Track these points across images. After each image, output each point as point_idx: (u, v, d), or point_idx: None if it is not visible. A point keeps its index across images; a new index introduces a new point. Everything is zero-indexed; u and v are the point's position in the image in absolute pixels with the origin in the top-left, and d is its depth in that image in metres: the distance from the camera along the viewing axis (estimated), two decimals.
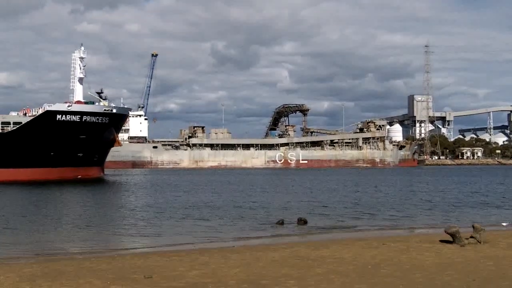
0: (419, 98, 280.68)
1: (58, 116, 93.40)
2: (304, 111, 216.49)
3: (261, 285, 16.95)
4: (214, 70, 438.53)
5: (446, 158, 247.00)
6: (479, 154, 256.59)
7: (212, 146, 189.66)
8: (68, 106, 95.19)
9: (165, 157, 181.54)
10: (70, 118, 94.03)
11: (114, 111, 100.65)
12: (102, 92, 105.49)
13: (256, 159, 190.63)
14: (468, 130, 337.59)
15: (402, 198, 57.30)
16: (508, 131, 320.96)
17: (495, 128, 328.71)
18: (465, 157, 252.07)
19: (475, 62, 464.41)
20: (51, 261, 22.46)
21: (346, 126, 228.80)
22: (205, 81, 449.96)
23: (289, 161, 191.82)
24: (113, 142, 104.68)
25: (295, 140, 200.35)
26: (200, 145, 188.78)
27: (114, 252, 25.93)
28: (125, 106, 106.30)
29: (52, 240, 30.35)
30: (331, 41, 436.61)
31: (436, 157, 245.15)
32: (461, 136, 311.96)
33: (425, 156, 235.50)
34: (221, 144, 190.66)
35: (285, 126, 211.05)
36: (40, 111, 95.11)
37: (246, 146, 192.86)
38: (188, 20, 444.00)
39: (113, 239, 31.26)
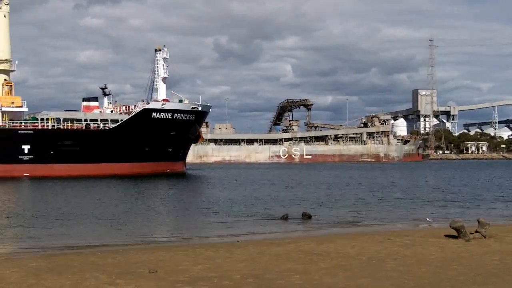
0: (424, 93, 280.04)
1: (154, 114, 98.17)
2: (307, 106, 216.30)
3: (265, 279, 16.98)
4: (217, 64, 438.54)
5: (451, 153, 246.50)
6: (484, 148, 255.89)
7: (216, 141, 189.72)
8: (162, 105, 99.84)
9: None
10: (163, 116, 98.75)
11: (200, 108, 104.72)
12: (106, 88, 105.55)
13: (260, 154, 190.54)
14: (473, 125, 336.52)
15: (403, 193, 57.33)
16: None
17: (500, 122, 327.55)
18: (470, 152, 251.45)
19: (478, 56, 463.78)
20: (57, 256, 22.53)
21: (350, 120, 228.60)
22: (208, 75, 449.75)
23: (293, 156, 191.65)
24: (197, 138, 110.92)
25: (299, 135, 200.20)
26: (204, 140, 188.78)
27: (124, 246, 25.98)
28: (207, 104, 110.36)
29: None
30: (334, 34, 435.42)
31: (441, 152, 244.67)
32: (465, 131, 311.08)
33: (430, 151, 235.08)
34: (225, 139, 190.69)
35: (289, 121, 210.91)
36: (135, 109, 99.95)
37: (250, 141, 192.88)
38: (190, 14, 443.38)
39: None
